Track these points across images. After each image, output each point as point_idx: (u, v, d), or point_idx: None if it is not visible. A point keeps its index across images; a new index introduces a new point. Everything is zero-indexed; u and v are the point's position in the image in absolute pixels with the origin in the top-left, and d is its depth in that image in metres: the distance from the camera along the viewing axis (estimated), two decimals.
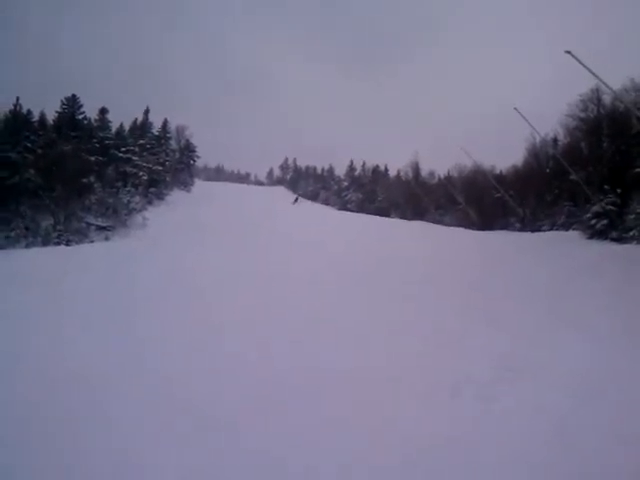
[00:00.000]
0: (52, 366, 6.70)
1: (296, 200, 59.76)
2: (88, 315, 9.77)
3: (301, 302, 10.76)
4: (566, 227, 32.35)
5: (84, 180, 34.58)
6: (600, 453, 4.46)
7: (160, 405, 5.50)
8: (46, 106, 42.10)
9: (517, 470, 4.27)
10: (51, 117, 42.65)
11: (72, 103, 44.35)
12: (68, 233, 30.06)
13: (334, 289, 12.28)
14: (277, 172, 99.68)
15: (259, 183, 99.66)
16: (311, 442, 4.73)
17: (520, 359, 6.94)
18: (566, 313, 9.82)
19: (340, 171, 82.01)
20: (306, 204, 56.61)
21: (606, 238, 23.19)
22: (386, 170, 79.24)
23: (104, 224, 32.96)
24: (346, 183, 76.96)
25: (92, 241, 29.84)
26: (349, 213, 55.98)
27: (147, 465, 4.31)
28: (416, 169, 66.76)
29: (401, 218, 53.26)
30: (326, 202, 72.39)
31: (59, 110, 43.83)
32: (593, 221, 24.48)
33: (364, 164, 79.98)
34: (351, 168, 79.52)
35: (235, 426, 5.01)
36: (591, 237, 24.17)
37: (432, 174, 66.03)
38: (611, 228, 23.48)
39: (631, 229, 21.61)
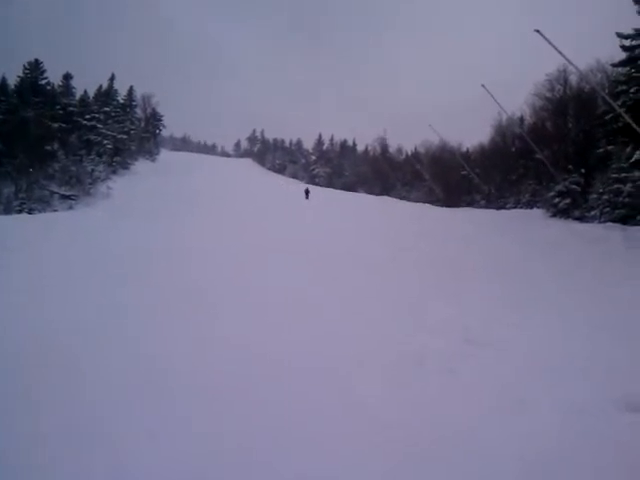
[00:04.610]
0: None
1: (307, 194, 41.63)
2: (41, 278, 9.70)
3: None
4: (530, 205, 32.80)
5: (47, 147, 33.71)
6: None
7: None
8: (7, 70, 40.59)
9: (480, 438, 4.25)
10: (13, 82, 41.11)
11: (35, 68, 42.73)
12: (31, 201, 29.28)
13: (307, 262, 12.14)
14: (244, 144, 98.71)
15: (226, 154, 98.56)
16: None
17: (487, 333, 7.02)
18: (532, 289, 10.00)
19: (308, 144, 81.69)
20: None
21: (568, 217, 23.56)
22: (354, 145, 79.38)
23: (68, 193, 32.13)
24: (314, 157, 76.67)
25: (55, 210, 29.13)
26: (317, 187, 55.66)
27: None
28: (384, 145, 66.90)
29: (368, 193, 53.35)
30: (294, 176, 72.07)
31: (21, 75, 42.26)
32: (556, 200, 24.82)
33: (332, 138, 79.86)
34: (319, 142, 79.23)
35: None
36: (554, 215, 24.52)
37: (400, 150, 66.32)
38: (574, 207, 23.84)
39: (593, 209, 21.96)
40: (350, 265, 12.27)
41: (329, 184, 63.13)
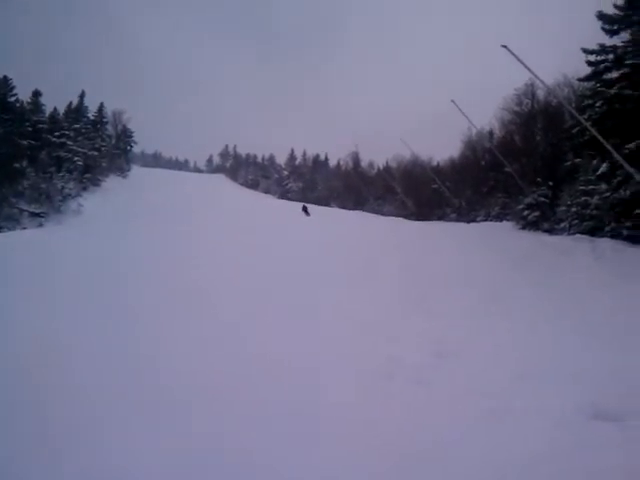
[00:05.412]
0: None
1: (305, 210, 41.14)
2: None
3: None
4: (500, 218, 33.29)
5: (16, 165, 33.26)
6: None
7: None
8: None
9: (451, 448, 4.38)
10: None
11: (3, 85, 42.11)
12: None
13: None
14: (217, 159, 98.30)
15: (198, 170, 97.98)
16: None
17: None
18: (516, 297, 10.33)
19: (281, 159, 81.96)
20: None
21: (537, 229, 24.03)
22: (326, 159, 79.83)
23: (37, 210, 31.78)
24: (287, 172, 76.89)
25: (24, 228, 28.72)
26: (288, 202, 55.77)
27: None
28: (356, 159, 67.43)
29: (341, 207, 53.68)
30: (266, 191, 72.13)
31: None
32: (526, 212, 25.32)
33: (305, 153, 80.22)
34: (292, 157, 79.54)
35: None
36: (523, 228, 24.99)
37: (371, 165, 66.92)
38: (543, 219, 24.33)
39: (562, 221, 22.43)
40: (343, 270, 12.48)
41: (302, 199, 63.16)
